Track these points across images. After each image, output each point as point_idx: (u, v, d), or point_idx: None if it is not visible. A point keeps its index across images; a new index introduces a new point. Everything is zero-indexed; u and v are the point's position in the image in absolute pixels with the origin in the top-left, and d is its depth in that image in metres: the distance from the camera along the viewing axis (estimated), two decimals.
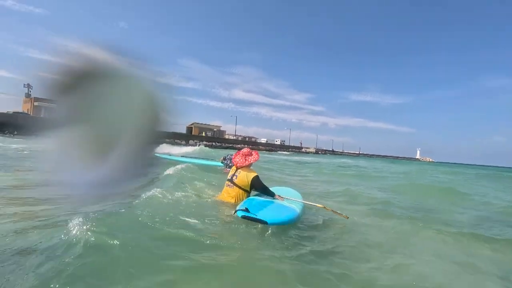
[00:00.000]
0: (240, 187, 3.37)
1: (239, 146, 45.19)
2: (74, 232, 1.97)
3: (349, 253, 2.58)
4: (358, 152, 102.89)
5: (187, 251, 2.06)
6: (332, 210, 3.46)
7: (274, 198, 3.38)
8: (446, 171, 23.23)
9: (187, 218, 2.69)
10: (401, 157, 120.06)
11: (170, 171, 5.75)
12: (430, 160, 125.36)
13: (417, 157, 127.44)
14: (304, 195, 4.65)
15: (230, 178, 3.48)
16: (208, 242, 2.29)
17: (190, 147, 21.86)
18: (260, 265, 2.06)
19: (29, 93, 38.28)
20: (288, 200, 3.48)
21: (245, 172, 3.40)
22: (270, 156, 29.69)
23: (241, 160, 3.49)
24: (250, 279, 1.89)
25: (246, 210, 2.65)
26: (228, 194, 3.42)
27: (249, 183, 3.35)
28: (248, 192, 3.43)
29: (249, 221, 2.62)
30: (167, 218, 2.62)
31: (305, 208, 3.51)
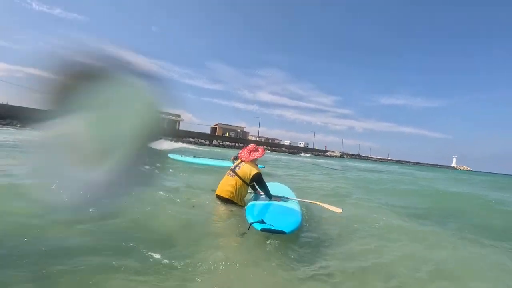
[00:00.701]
0: (240, 178, 3.46)
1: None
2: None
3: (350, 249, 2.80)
4: (386, 158, 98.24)
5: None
6: (327, 206, 3.56)
7: (271, 200, 3.44)
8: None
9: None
10: (434, 165, 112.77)
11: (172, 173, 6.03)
12: (468, 168, 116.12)
13: (452, 165, 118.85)
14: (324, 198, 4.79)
15: (233, 168, 3.60)
16: (209, 242, 2.39)
17: (180, 143, 22.64)
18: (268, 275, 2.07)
19: None
20: (285, 200, 3.53)
21: (249, 166, 3.52)
22: (292, 158, 29.59)
23: (246, 154, 3.65)
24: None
25: (262, 222, 2.46)
26: (228, 183, 3.49)
27: (251, 176, 3.45)
28: (247, 186, 3.52)
29: (265, 232, 2.41)
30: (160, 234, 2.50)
31: (300, 205, 3.58)
